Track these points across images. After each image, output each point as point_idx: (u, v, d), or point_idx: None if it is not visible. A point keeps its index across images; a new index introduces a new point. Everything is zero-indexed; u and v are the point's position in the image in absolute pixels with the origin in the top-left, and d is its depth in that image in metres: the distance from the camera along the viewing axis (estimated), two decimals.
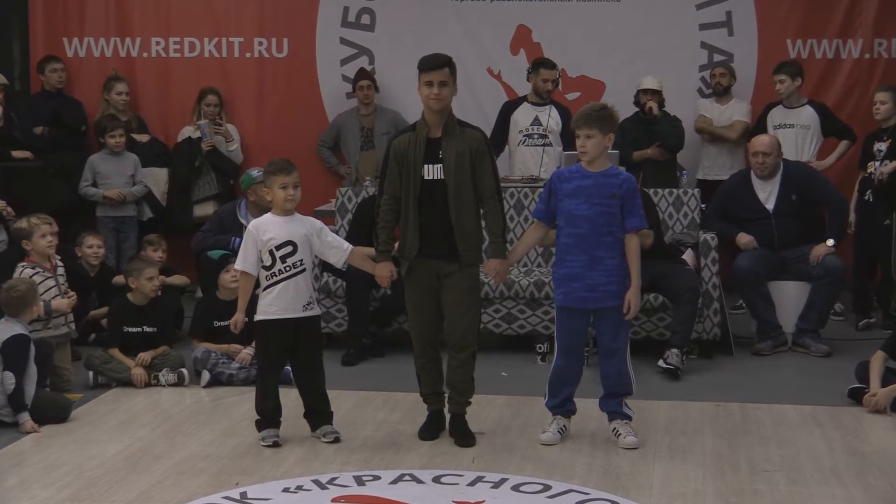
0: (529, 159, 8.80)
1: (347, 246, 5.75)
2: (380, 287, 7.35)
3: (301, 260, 5.61)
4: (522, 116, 8.90)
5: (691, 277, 7.29)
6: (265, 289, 5.63)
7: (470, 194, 5.56)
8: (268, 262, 5.60)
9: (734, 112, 9.21)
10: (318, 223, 5.74)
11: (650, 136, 8.79)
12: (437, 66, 5.51)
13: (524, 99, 8.98)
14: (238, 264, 5.68)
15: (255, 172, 7.90)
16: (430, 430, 5.78)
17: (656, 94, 8.86)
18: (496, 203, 5.60)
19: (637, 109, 8.91)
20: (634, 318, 5.70)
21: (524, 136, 8.85)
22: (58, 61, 9.56)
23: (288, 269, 5.59)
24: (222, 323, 7.01)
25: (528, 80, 8.97)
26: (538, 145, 8.83)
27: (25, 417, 5.91)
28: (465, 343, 5.62)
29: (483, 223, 5.67)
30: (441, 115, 5.56)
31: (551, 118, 8.85)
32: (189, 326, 7.48)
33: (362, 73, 9.56)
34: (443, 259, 5.58)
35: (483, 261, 5.73)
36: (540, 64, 8.89)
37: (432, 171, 5.55)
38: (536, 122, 8.87)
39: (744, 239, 7.81)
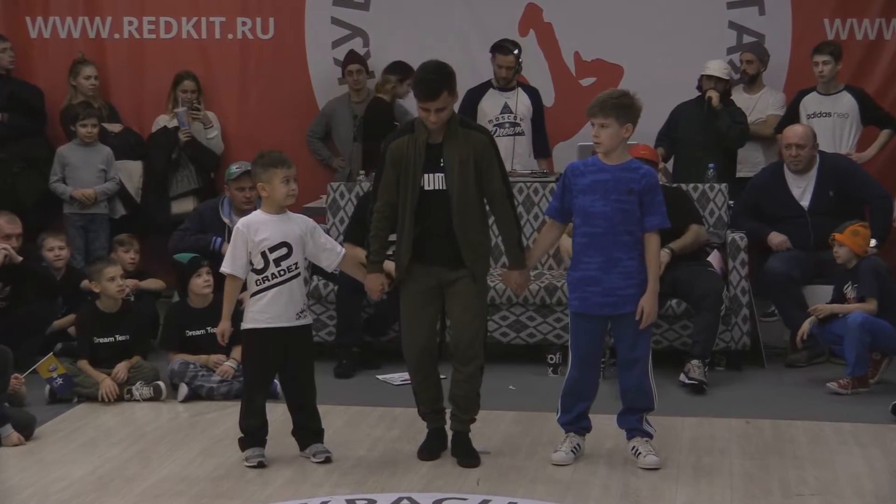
0: (501, 151, 8.79)
1: (340, 249, 5.77)
2: None
3: (296, 263, 5.63)
4: (490, 104, 8.94)
5: (714, 282, 7.30)
6: (254, 294, 5.64)
7: (475, 204, 5.58)
8: (259, 266, 5.61)
9: (767, 105, 9.17)
10: (311, 222, 5.76)
11: (706, 130, 8.70)
12: (433, 95, 5.46)
13: (489, 84, 9.01)
14: (225, 267, 5.68)
15: (234, 167, 7.90)
16: (430, 450, 5.79)
17: (721, 82, 8.74)
18: (508, 208, 5.62)
19: (698, 95, 8.85)
20: (656, 325, 5.70)
21: (494, 125, 8.86)
22: (4, 40, 9.54)
23: (282, 272, 5.60)
24: (195, 333, 7.03)
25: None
26: (510, 134, 8.86)
27: (9, 430, 5.95)
28: (471, 354, 5.62)
29: (495, 229, 5.67)
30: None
31: (521, 103, 8.91)
32: (160, 337, 7.50)
33: (352, 57, 9.56)
34: (445, 266, 5.59)
35: (492, 266, 5.75)
36: (495, 48, 8.91)
37: (433, 181, 5.55)
38: (506, 109, 8.92)
39: (776, 239, 7.81)
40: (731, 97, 8.86)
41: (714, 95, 8.67)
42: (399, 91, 9.15)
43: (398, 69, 9.14)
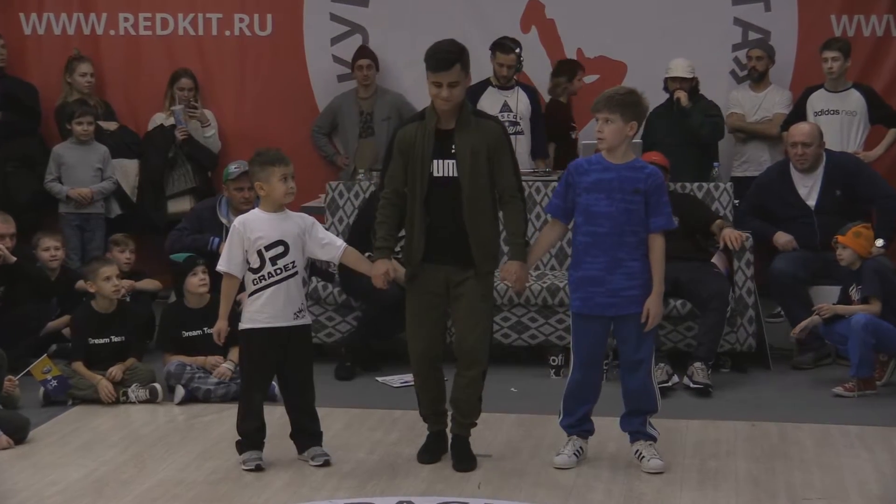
0: None
1: (341, 243, 5.76)
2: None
3: (293, 262, 5.63)
4: (490, 103, 8.95)
5: (720, 283, 7.31)
6: (252, 294, 5.64)
7: (487, 195, 5.55)
8: (256, 265, 5.61)
9: (773, 103, 9.17)
10: (310, 219, 5.76)
11: (679, 131, 8.74)
12: (446, 66, 5.43)
13: (488, 82, 9.03)
14: (221, 265, 5.68)
15: (233, 167, 7.89)
16: (430, 453, 5.79)
17: (686, 81, 8.82)
18: (518, 202, 5.59)
19: (668, 96, 8.89)
20: (659, 326, 5.70)
21: None
22: None
23: (278, 271, 5.60)
24: (191, 333, 7.03)
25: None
26: (510, 133, 8.85)
27: None
28: (474, 358, 5.61)
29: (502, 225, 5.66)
30: (453, 107, 5.54)
31: (520, 102, 8.95)
32: (155, 338, 7.50)
33: (362, 52, 9.54)
34: (453, 265, 5.57)
35: (497, 266, 5.74)
36: (496, 47, 8.93)
37: (443, 168, 5.52)
38: (506, 107, 8.94)
39: (782, 239, 7.81)
40: (700, 92, 8.90)
41: (682, 95, 8.74)
42: (571, 89, 9.22)
43: (565, 69, 9.18)
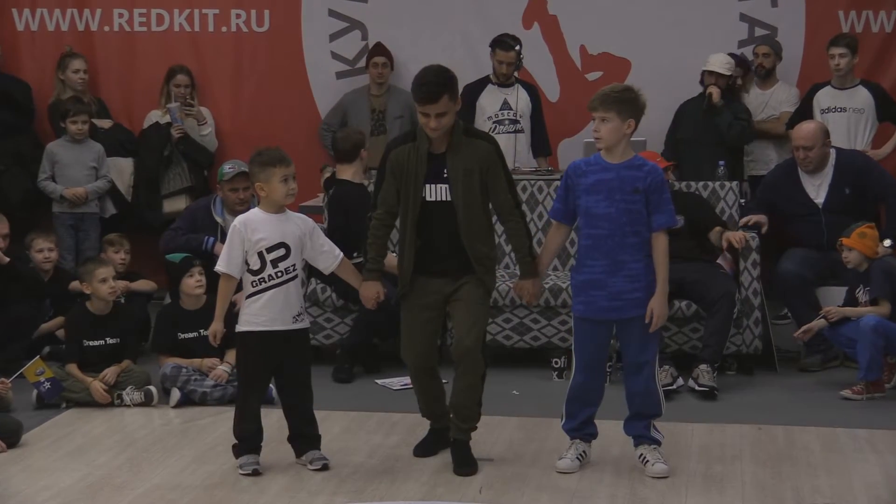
0: (502, 149, 8.79)
1: (338, 252, 5.78)
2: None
3: (294, 265, 5.63)
4: (489, 101, 8.96)
5: (727, 283, 7.30)
6: (250, 296, 5.64)
7: (482, 213, 5.60)
8: (256, 266, 5.60)
9: (780, 101, 9.16)
10: (311, 222, 5.77)
11: (708, 128, 8.69)
12: (432, 98, 5.44)
13: (487, 80, 9.02)
14: (220, 265, 5.67)
15: (227, 167, 7.88)
16: (424, 447, 5.87)
17: (723, 78, 8.73)
18: (518, 219, 5.64)
19: (701, 91, 8.85)
20: (664, 328, 5.69)
21: (494, 122, 8.90)
22: None
23: (279, 274, 5.60)
24: (187, 335, 7.03)
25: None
26: (510, 132, 8.89)
27: None
28: (472, 363, 5.61)
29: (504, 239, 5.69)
30: (443, 133, 5.56)
31: (520, 100, 8.94)
32: (151, 340, 7.50)
33: (378, 49, 9.51)
34: (449, 277, 5.61)
35: (496, 281, 5.76)
36: (495, 44, 8.93)
37: (436, 192, 5.56)
38: (506, 105, 8.94)
39: (751, 220, 7.73)
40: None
41: (714, 92, 8.66)
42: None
43: None
